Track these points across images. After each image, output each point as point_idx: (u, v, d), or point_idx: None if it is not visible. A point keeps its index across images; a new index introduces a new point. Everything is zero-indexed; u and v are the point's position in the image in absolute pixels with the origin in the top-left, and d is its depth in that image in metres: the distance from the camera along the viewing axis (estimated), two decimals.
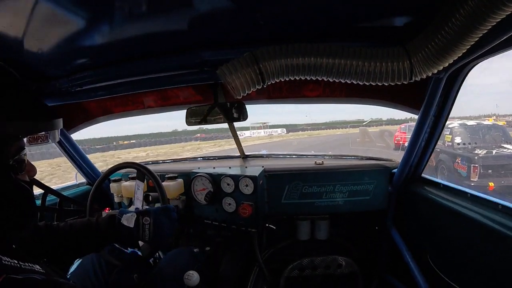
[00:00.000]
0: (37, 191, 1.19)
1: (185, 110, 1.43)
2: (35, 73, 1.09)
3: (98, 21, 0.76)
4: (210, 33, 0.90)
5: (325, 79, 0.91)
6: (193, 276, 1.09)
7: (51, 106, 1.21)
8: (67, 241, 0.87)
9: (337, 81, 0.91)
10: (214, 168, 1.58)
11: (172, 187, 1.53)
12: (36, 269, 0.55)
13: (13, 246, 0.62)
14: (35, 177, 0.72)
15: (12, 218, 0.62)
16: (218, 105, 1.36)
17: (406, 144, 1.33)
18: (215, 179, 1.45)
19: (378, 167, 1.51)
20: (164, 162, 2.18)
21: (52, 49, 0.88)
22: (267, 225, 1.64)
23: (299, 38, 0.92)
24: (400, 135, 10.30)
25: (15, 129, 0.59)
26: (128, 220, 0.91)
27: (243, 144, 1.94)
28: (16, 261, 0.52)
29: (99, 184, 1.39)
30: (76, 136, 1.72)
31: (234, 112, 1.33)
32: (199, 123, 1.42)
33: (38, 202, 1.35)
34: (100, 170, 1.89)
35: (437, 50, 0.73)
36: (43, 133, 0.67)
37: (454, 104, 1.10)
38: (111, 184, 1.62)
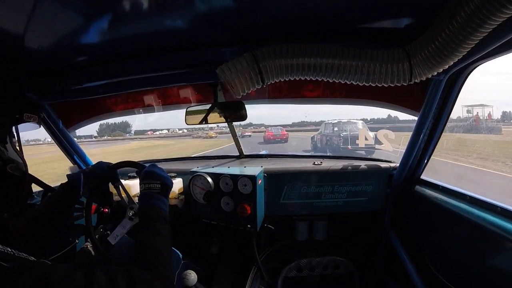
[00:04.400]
0: (36, 189, 1.19)
1: (185, 110, 1.43)
2: (36, 71, 1.09)
3: (98, 19, 0.76)
4: (211, 32, 0.90)
5: (325, 80, 0.91)
6: (191, 276, 1.09)
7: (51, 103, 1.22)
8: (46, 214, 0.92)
9: (337, 81, 0.91)
10: (213, 167, 1.58)
11: None
12: (30, 260, 0.55)
13: (10, 234, 0.66)
14: (37, 176, 0.82)
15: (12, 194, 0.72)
16: (217, 104, 1.36)
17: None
18: (214, 178, 1.45)
19: (376, 168, 1.51)
20: (162, 161, 2.18)
21: (53, 46, 0.88)
22: (265, 225, 1.64)
23: (299, 38, 0.92)
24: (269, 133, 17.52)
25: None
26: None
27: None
28: (9, 249, 0.53)
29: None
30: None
31: (234, 112, 1.33)
32: (199, 123, 1.41)
33: (38, 199, 1.35)
34: None
35: (437, 52, 0.73)
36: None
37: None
38: (109, 183, 1.62)
